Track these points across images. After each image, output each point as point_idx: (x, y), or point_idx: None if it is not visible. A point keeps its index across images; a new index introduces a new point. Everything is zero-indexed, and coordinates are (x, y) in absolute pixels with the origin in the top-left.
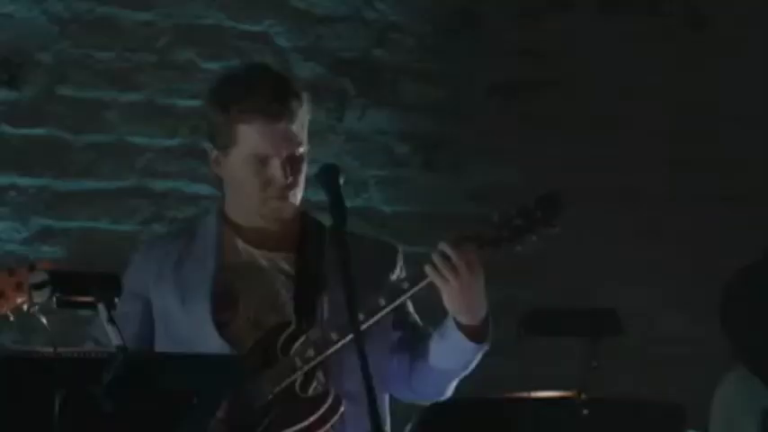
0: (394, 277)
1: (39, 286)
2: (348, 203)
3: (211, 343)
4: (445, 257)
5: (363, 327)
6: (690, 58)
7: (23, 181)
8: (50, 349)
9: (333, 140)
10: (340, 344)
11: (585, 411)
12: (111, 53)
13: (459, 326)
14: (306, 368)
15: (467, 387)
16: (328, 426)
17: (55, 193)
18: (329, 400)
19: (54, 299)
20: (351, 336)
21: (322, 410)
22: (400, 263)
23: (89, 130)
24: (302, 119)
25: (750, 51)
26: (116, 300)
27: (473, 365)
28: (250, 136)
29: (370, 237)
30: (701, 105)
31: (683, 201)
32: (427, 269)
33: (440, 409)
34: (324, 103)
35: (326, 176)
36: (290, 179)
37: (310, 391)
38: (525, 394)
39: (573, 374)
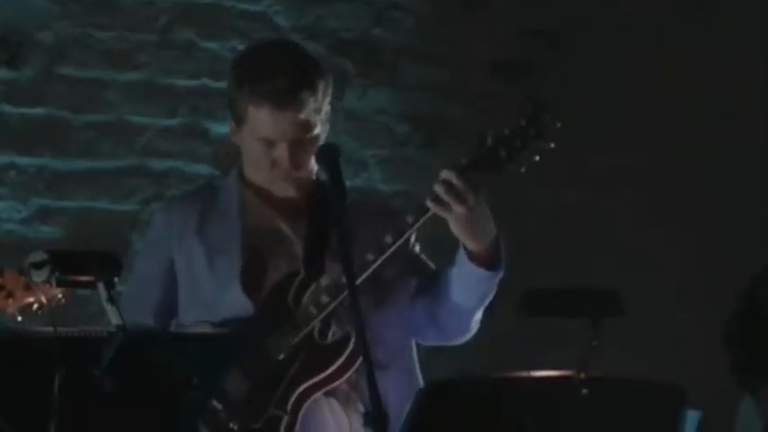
0: (413, 246)
1: (38, 266)
2: (348, 183)
3: (235, 300)
4: (446, 186)
5: (375, 265)
6: (693, 39)
7: (23, 160)
8: (50, 329)
9: (333, 120)
10: (352, 286)
11: (585, 391)
12: (111, 33)
13: (470, 255)
14: (322, 314)
15: (467, 366)
16: (353, 368)
17: (54, 173)
18: (351, 345)
19: (54, 278)
20: (363, 277)
21: (345, 354)
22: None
23: (89, 110)
24: (314, 106)
25: (750, 31)
26: (116, 279)
27: (491, 295)
28: (258, 119)
29: (379, 203)
30: (703, 89)
31: (683, 184)
32: (429, 201)
33: (440, 388)
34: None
35: (326, 156)
36: (296, 162)
37: (330, 338)
38: (525, 374)
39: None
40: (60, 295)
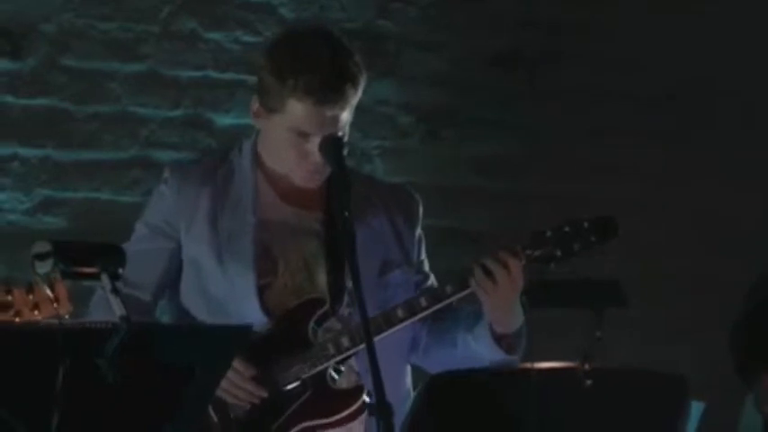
0: (417, 232)
1: (42, 257)
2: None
3: (249, 309)
4: (490, 272)
5: (401, 325)
6: (693, 31)
7: (26, 152)
8: (54, 321)
9: None
10: (377, 338)
11: (589, 382)
12: (114, 24)
13: (493, 333)
14: (339, 358)
15: None
16: (356, 422)
17: (57, 164)
18: (361, 398)
19: (58, 270)
20: (387, 332)
21: (354, 406)
22: (420, 216)
23: (92, 101)
24: (353, 101)
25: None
26: (119, 270)
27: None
28: (298, 112)
29: (389, 183)
30: (703, 79)
31: (683, 173)
32: (471, 280)
33: (444, 379)
34: None
35: (330, 147)
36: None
37: (342, 382)
38: (529, 365)
39: (577, 345)
40: (67, 316)
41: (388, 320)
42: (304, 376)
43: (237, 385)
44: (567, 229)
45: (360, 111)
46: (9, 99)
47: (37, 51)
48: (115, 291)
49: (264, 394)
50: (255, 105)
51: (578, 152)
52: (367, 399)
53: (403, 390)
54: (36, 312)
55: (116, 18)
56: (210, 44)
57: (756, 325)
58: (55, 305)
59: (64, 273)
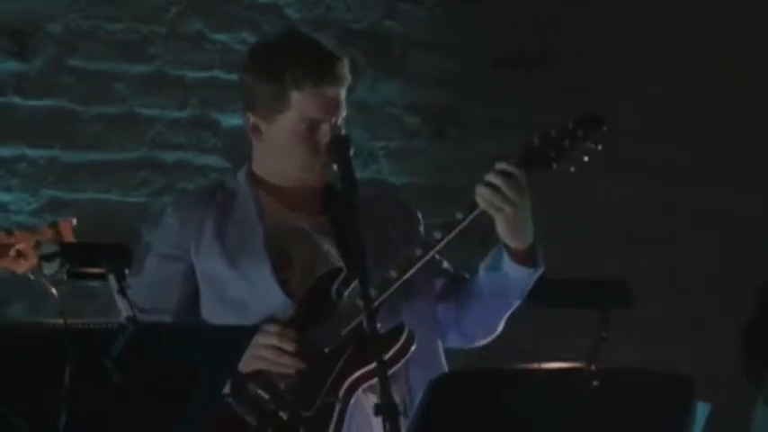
0: (421, 229)
1: (49, 258)
2: (358, 175)
3: (271, 296)
4: (504, 182)
5: (424, 259)
6: (693, 31)
7: (33, 152)
8: (60, 321)
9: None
10: (402, 279)
11: (596, 383)
12: (121, 24)
13: (512, 254)
14: (371, 306)
15: (477, 358)
16: (407, 356)
17: (64, 165)
18: (405, 334)
19: (65, 270)
20: (410, 272)
21: (400, 342)
22: (420, 217)
23: (99, 102)
24: (347, 81)
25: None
26: (126, 270)
27: (525, 294)
28: (303, 101)
29: (385, 194)
30: (705, 78)
31: (684, 173)
32: (479, 199)
33: (450, 379)
34: None
35: (337, 147)
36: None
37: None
38: (535, 365)
39: (582, 346)
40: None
41: (410, 261)
42: (344, 333)
43: (281, 349)
44: (553, 133)
45: (366, 111)
46: (16, 100)
47: (44, 52)
48: (122, 291)
49: (307, 356)
50: (251, 121)
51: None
52: (405, 337)
53: (438, 369)
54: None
55: (123, 19)
56: (217, 45)
57: (763, 327)
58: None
59: (71, 273)
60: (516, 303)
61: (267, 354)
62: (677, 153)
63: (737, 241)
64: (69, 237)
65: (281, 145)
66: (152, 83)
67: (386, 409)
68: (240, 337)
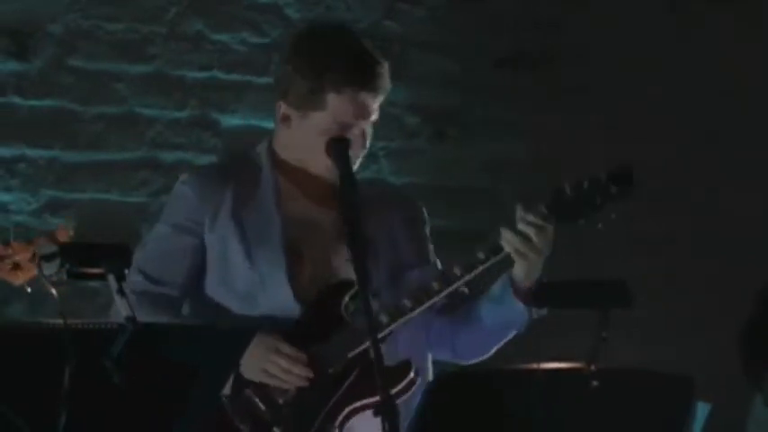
0: (428, 231)
1: (49, 258)
2: (358, 175)
3: (281, 298)
4: (526, 235)
5: (440, 296)
6: (693, 31)
7: (33, 153)
8: (60, 321)
9: None
10: (416, 312)
11: (595, 383)
12: (121, 24)
13: (516, 289)
14: (381, 334)
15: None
16: (409, 394)
17: (64, 165)
18: (411, 372)
19: (64, 271)
20: (427, 304)
21: (404, 383)
22: (427, 217)
23: (99, 102)
24: (387, 87)
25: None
26: (125, 271)
27: (526, 326)
28: (340, 105)
29: (390, 189)
30: (705, 78)
31: (685, 173)
32: (505, 244)
33: (450, 379)
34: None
35: (336, 148)
36: (365, 145)
37: (387, 360)
38: (535, 365)
39: (582, 346)
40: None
41: (427, 293)
42: (350, 355)
43: (287, 370)
44: (585, 184)
45: None
46: (16, 100)
47: (44, 52)
48: (121, 291)
49: (312, 375)
50: (282, 110)
51: (582, 152)
52: (413, 375)
53: (425, 383)
54: (36, 264)
55: (123, 19)
56: (217, 45)
57: (762, 327)
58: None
59: (70, 273)
60: (513, 334)
61: (276, 371)
62: (677, 153)
63: (737, 241)
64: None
65: (309, 139)
66: (152, 83)
67: (386, 410)
68: (240, 337)
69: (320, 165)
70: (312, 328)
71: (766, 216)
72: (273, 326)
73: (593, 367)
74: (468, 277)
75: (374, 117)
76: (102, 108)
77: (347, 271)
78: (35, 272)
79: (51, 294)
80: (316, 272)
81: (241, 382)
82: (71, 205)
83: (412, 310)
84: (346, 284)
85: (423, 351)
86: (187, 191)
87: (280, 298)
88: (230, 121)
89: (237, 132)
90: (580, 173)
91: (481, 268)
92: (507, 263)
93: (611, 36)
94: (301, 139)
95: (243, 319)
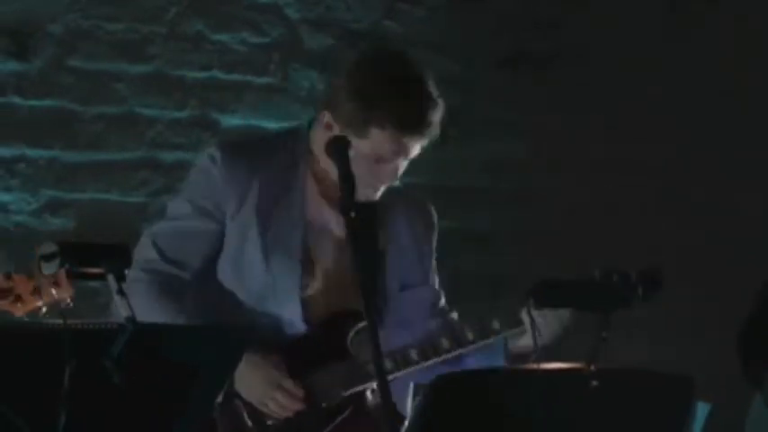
0: (434, 238)
1: (48, 258)
2: None
3: (289, 310)
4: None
5: (448, 355)
6: (693, 31)
7: (33, 153)
8: (60, 321)
9: None
10: (421, 365)
11: (595, 383)
12: (121, 24)
13: (512, 351)
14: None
15: None
16: None
17: (64, 165)
18: (401, 428)
19: (64, 271)
20: (435, 360)
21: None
22: (437, 231)
23: (99, 102)
24: (435, 136)
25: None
26: (125, 271)
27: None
28: (382, 141)
29: (408, 194)
30: (705, 78)
31: (686, 173)
32: (525, 319)
33: (450, 379)
34: (333, 74)
35: (336, 148)
36: (394, 181)
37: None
38: (535, 365)
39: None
40: (69, 300)
41: (435, 349)
42: (345, 394)
43: (284, 406)
44: (615, 278)
45: None
46: (16, 100)
47: (44, 52)
48: (121, 291)
49: (304, 407)
50: (327, 119)
51: (583, 152)
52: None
53: (405, 410)
54: (37, 297)
55: (123, 19)
56: (217, 45)
57: (762, 326)
58: (54, 291)
59: (70, 273)
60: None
61: (273, 407)
62: (677, 153)
63: (737, 241)
64: (64, 283)
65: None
66: (152, 83)
67: (386, 411)
68: (240, 337)
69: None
70: (314, 351)
71: (766, 216)
72: (277, 335)
73: (593, 367)
74: (479, 344)
75: (414, 154)
76: (102, 108)
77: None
78: (34, 305)
79: (52, 295)
80: (327, 284)
81: (232, 393)
82: (71, 205)
83: (418, 363)
84: (356, 317)
85: (405, 386)
86: (213, 170)
87: (288, 309)
88: (230, 120)
89: (237, 132)
90: (580, 175)
91: (495, 337)
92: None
93: (611, 36)
94: None
95: (249, 322)
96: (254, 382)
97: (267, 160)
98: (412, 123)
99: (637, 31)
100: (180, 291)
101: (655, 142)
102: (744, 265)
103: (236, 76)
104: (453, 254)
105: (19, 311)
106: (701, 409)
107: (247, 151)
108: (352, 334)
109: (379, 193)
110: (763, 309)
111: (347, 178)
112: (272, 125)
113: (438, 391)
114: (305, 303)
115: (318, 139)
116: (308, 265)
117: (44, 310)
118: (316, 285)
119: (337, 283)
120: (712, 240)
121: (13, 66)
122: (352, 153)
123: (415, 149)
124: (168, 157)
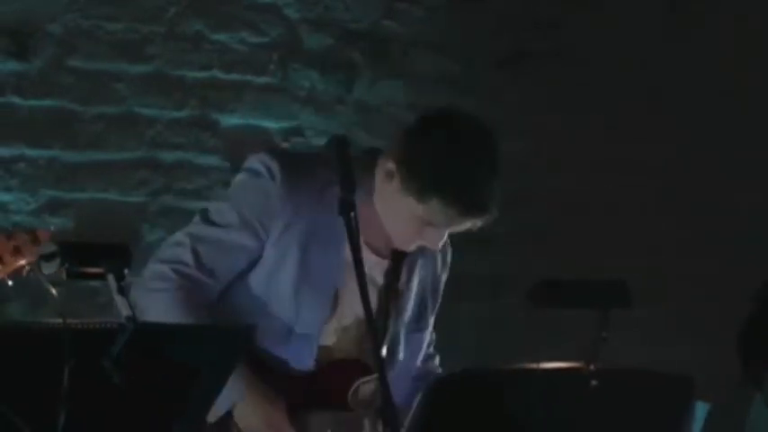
0: (444, 277)
1: (48, 257)
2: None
3: (304, 354)
4: None
5: None
6: (693, 31)
7: (32, 152)
8: (59, 320)
9: (342, 112)
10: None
11: (595, 383)
12: (121, 24)
13: None
14: None
15: (475, 357)
16: None
17: (64, 165)
18: None
19: (64, 270)
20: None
21: None
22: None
23: (98, 102)
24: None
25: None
26: (125, 270)
27: None
28: (439, 212)
29: None
30: (705, 78)
31: (685, 173)
32: None
33: (449, 379)
34: (333, 74)
35: (336, 148)
36: (434, 248)
37: None
38: (534, 365)
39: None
40: (54, 251)
41: None
42: None
43: None
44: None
45: (365, 111)
46: (16, 100)
47: (43, 52)
48: (121, 291)
49: None
50: (391, 167)
51: (583, 152)
52: None
53: None
54: (19, 256)
55: (122, 19)
56: (216, 45)
57: (762, 326)
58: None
59: (70, 273)
60: None
61: None
62: (677, 153)
63: (737, 241)
64: (45, 238)
65: (392, 211)
66: (152, 83)
67: (386, 411)
68: (240, 337)
69: (392, 233)
70: (317, 392)
71: (766, 216)
72: (284, 366)
73: (592, 367)
74: None
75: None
76: (102, 108)
77: (366, 340)
78: (16, 265)
79: (51, 294)
80: (342, 322)
81: (230, 421)
82: (70, 205)
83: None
84: (365, 371)
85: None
86: (272, 190)
87: (302, 343)
88: (230, 120)
89: (237, 132)
90: (580, 174)
91: None
92: None
93: (611, 36)
94: (391, 200)
95: (264, 355)
96: (254, 421)
97: (320, 194)
98: (475, 210)
99: (637, 31)
100: (206, 300)
101: (655, 142)
102: (744, 265)
103: (235, 76)
104: (454, 255)
105: (0, 273)
106: (700, 409)
107: (306, 178)
108: (354, 386)
109: (412, 247)
110: (763, 309)
111: (347, 178)
112: (271, 125)
113: (438, 391)
114: (320, 341)
115: (379, 185)
116: (335, 305)
117: (27, 269)
118: (334, 326)
119: (356, 326)
120: (712, 240)
121: (12, 66)
122: (406, 212)
123: (467, 226)
124: (168, 156)
